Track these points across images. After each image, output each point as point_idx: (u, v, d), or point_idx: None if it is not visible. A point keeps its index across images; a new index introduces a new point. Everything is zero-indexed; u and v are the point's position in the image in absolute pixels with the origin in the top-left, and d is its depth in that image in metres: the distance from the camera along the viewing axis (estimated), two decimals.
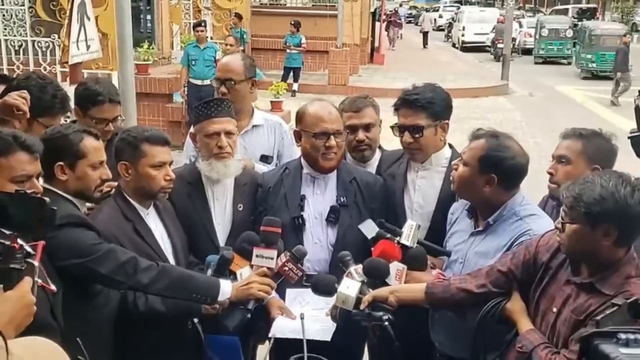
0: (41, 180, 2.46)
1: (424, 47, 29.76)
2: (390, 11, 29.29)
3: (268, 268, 2.61)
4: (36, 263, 1.58)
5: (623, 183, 2.06)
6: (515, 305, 2.34)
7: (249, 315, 2.55)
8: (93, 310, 2.43)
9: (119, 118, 3.26)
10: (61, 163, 2.42)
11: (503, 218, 2.56)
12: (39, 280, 1.64)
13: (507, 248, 2.49)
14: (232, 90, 3.39)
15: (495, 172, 2.51)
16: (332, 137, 2.86)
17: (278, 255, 2.63)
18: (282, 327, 2.62)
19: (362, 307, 2.43)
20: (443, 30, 37.58)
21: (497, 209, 2.57)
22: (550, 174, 2.81)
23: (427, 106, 2.88)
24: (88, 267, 2.33)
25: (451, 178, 2.67)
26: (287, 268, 2.63)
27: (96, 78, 3.47)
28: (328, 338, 2.53)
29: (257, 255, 2.61)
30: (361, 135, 3.20)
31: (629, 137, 2.54)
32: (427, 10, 41.47)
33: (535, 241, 2.35)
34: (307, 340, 2.32)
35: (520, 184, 2.61)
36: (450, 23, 35.54)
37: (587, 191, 2.07)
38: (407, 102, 2.91)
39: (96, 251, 2.36)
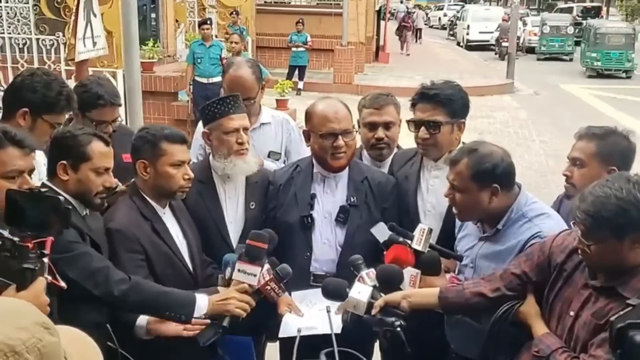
0: (45, 178, 2.43)
1: (417, 41, 29.83)
2: (401, 12, 27.85)
3: (249, 285, 2.49)
4: (46, 260, 1.55)
5: (635, 187, 1.99)
6: (530, 309, 2.30)
7: (220, 331, 2.45)
8: (85, 312, 2.31)
9: (118, 119, 3.28)
10: (64, 162, 2.39)
11: (511, 221, 2.51)
12: (49, 277, 1.61)
13: (518, 251, 2.44)
14: (250, 106, 3.35)
15: (494, 181, 2.46)
16: (339, 137, 2.81)
17: (261, 271, 2.51)
18: (291, 325, 2.58)
19: (373, 312, 2.39)
20: (446, 28, 37.63)
21: (504, 215, 2.51)
22: (566, 176, 2.75)
23: (446, 102, 2.83)
24: (59, 266, 2.22)
25: (453, 210, 2.59)
26: (269, 287, 2.50)
27: (97, 79, 3.44)
28: (338, 330, 2.46)
29: (239, 270, 2.49)
30: (380, 133, 3.15)
31: None
32: (420, 8, 41.94)
33: (549, 242, 2.30)
34: (315, 336, 2.26)
35: (515, 181, 2.55)
36: (452, 21, 35.92)
37: (605, 206, 1.98)
38: (427, 96, 2.85)
39: (69, 250, 2.24)
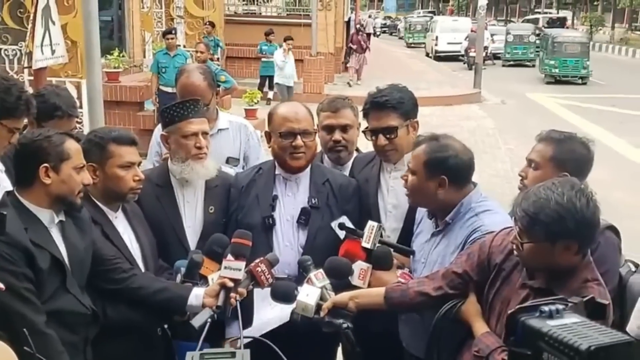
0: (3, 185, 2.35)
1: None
2: (358, 26, 20.73)
3: (233, 279, 2.47)
4: None
5: (577, 195, 2.01)
6: (471, 308, 2.32)
7: (217, 311, 2.41)
8: None
9: (74, 130, 3.25)
10: (46, 165, 2.29)
11: (460, 215, 2.54)
12: None
13: (463, 245, 2.47)
14: (204, 112, 3.30)
15: (443, 173, 2.49)
16: (298, 136, 2.82)
17: (246, 267, 2.51)
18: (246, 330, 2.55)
19: (321, 314, 2.41)
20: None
21: (453, 208, 2.54)
22: (522, 176, 2.78)
23: (397, 106, 2.87)
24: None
25: (405, 191, 2.64)
26: (259, 269, 2.50)
27: (54, 89, 3.42)
28: (286, 318, 2.49)
29: (225, 267, 2.48)
30: (337, 135, 3.16)
31: None
32: (391, 19, 43.70)
33: (488, 241, 2.32)
34: (275, 336, 2.23)
35: (470, 180, 2.58)
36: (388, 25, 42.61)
37: (543, 209, 2.01)
38: (377, 104, 2.88)
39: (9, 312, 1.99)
